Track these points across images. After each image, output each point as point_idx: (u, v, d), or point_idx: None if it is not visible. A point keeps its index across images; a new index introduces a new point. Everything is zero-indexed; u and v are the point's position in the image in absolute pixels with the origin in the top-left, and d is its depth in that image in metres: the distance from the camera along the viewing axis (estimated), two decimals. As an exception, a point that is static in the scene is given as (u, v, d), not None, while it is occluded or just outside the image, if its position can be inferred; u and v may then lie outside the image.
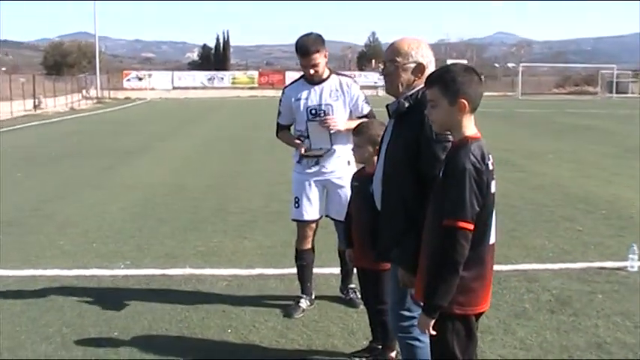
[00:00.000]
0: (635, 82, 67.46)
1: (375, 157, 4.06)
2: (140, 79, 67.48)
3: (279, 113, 5.39)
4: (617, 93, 60.85)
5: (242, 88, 66.18)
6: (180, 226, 8.33)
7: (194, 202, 9.96)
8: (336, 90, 5.16)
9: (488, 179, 2.85)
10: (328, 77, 5.17)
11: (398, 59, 3.41)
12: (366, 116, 5.14)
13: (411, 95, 3.36)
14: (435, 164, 3.11)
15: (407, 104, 3.33)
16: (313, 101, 5.15)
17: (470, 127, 2.93)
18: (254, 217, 8.89)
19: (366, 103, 5.27)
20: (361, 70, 78.41)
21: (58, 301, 5.59)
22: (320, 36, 5.11)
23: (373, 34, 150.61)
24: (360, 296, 4.94)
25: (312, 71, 5.05)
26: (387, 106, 3.51)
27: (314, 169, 5.23)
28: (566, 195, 10.53)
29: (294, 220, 5.40)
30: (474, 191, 2.78)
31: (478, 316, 2.98)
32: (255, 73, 73.19)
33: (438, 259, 2.82)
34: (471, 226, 2.78)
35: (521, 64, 67.35)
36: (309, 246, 5.42)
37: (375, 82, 60.64)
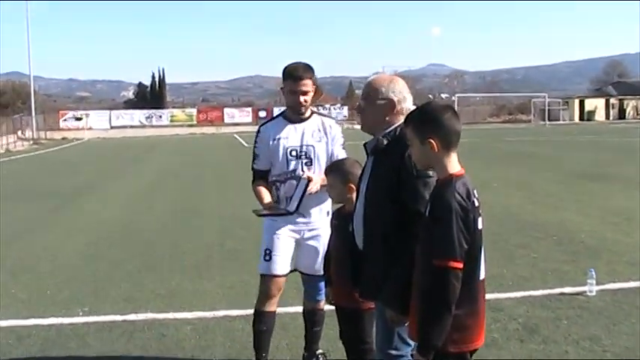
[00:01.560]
0: (565, 110, 69.46)
1: (353, 195, 4.05)
2: (78, 118, 66.17)
3: (255, 157, 4.77)
4: (549, 120, 62.55)
5: (181, 126, 65.60)
6: (136, 268, 8.16)
7: (147, 242, 9.79)
8: (319, 130, 4.68)
9: (474, 216, 2.86)
10: (310, 116, 4.71)
11: (369, 97, 3.46)
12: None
13: (389, 132, 3.37)
14: (418, 200, 3.13)
15: (385, 141, 3.34)
16: (294, 141, 4.62)
17: (452, 164, 2.95)
18: (210, 256, 8.77)
19: (343, 148, 4.79)
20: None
21: (17, 353, 5.38)
22: (311, 66, 4.65)
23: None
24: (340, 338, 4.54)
25: (302, 99, 4.53)
26: (364, 145, 3.52)
27: (291, 218, 4.64)
28: (518, 222, 10.71)
29: (263, 274, 4.72)
30: (461, 230, 2.80)
31: (473, 352, 2.97)
32: (193, 111, 72.67)
33: (430, 299, 2.82)
34: (461, 265, 2.79)
35: (456, 95, 68.71)
36: (273, 308, 4.75)
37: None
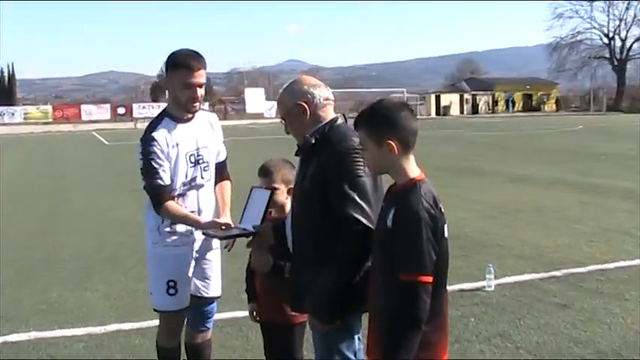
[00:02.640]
0: (422, 105, 71.82)
1: (288, 200, 3.75)
2: None
3: (154, 172, 3.76)
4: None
5: (35, 124, 62.05)
6: (8, 281, 7.41)
7: (17, 252, 8.94)
8: (207, 128, 4.00)
9: (441, 224, 2.64)
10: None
11: (281, 112, 3.27)
12: (223, 163, 4.19)
13: (317, 130, 3.12)
14: (345, 202, 2.90)
15: (313, 140, 3.10)
16: (190, 145, 3.86)
17: (412, 167, 2.72)
18: (88, 264, 8.15)
19: (223, 144, 4.22)
20: (155, 101, 75.96)
21: None
22: (201, 54, 3.85)
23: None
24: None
25: (199, 93, 3.78)
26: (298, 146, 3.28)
27: (193, 236, 3.92)
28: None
29: (165, 311, 3.96)
30: (430, 240, 2.55)
31: (439, 369, 2.75)
32: (49, 108, 69.00)
33: (399, 319, 2.55)
34: (431, 279, 2.55)
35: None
36: (178, 340, 4.11)
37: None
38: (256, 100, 64.82)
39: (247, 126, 52.37)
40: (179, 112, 3.87)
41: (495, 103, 76.09)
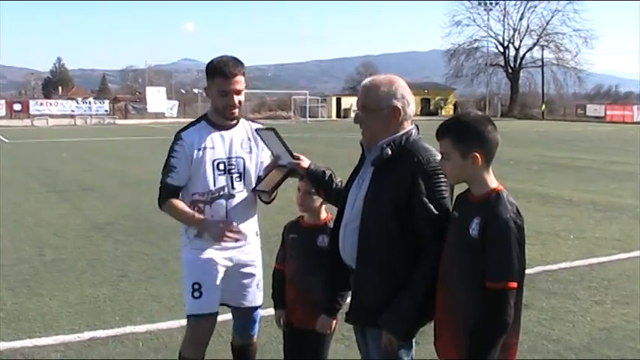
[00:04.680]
0: (324, 107, 72.55)
1: (323, 207, 3.77)
2: None
3: (171, 169, 3.80)
4: (310, 117, 64.87)
5: None
6: (-49, 289, 7.03)
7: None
8: (249, 139, 3.89)
9: (525, 232, 2.76)
10: (237, 122, 3.89)
11: (369, 104, 3.12)
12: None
13: (393, 141, 3.07)
14: (430, 222, 2.93)
15: (390, 151, 3.04)
16: (221, 152, 3.80)
17: (492, 178, 2.83)
18: (35, 269, 7.83)
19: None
20: (47, 97, 73.18)
21: None
22: (240, 60, 3.82)
23: (59, 59, 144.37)
24: None
25: (236, 100, 3.72)
26: (361, 143, 3.25)
27: (219, 243, 3.83)
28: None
29: (193, 315, 3.87)
30: (517, 248, 2.69)
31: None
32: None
33: (490, 325, 2.67)
34: (516, 285, 2.69)
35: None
36: (202, 353, 3.97)
37: (73, 111, 57.88)
38: (157, 99, 63.54)
39: (149, 125, 51.30)
40: (217, 118, 3.85)
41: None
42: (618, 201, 13.26)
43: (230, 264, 3.91)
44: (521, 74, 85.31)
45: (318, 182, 3.51)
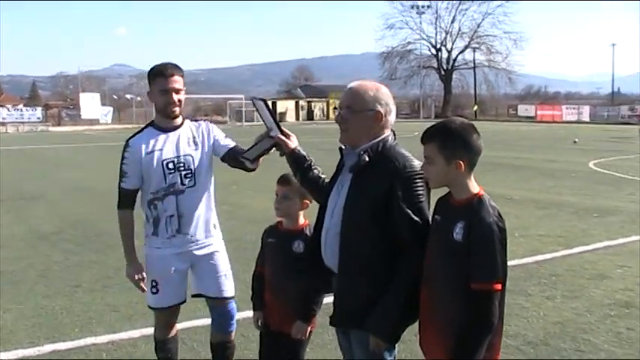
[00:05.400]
0: (259, 111, 72.39)
1: (301, 213, 3.84)
2: None
3: (123, 174, 4.12)
4: (246, 121, 64.64)
5: None
6: None
7: None
8: (194, 137, 4.20)
9: (506, 233, 2.86)
10: (182, 124, 4.20)
11: (353, 106, 3.20)
12: (235, 149, 4.23)
13: (371, 148, 3.16)
14: (410, 226, 3.01)
15: (367, 157, 3.12)
16: (169, 152, 4.09)
17: (474, 183, 2.92)
18: (-17, 282, 7.65)
19: (227, 137, 4.38)
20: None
21: None
22: (179, 66, 4.19)
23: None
24: None
25: (175, 98, 4.03)
26: (340, 149, 3.32)
27: (176, 239, 4.14)
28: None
29: (152, 308, 4.32)
30: (501, 251, 2.79)
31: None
32: None
33: (476, 326, 2.75)
34: (500, 286, 2.79)
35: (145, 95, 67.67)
36: (173, 332, 4.42)
37: (4, 119, 56.30)
38: (91, 105, 62.39)
39: (84, 132, 50.36)
40: (162, 120, 4.16)
41: (335, 109, 78.05)
42: (557, 198, 13.71)
43: (189, 258, 4.22)
44: (454, 76, 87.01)
45: (297, 165, 3.58)
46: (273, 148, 3.62)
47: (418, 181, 3.06)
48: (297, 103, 78.63)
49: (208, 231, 4.26)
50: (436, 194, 3.13)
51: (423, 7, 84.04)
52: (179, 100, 4.07)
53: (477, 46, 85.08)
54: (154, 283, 4.19)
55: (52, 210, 12.79)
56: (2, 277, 7.79)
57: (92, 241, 9.75)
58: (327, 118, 76.36)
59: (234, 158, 4.15)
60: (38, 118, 58.29)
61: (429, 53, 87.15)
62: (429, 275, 2.95)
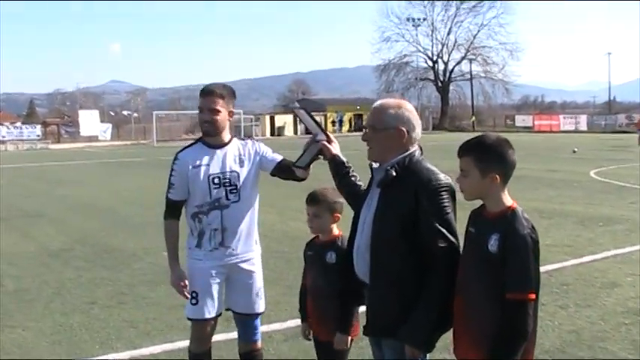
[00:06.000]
0: (257, 126, 72.37)
1: (334, 225, 3.94)
2: None
3: (170, 185, 4.29)
4: (245, 137, 64.76)
5: None
6: None
7: None
8: (240, 154, 4.32)
9: (539, 246, 2.95)
10: (230, 141, 4.33)
11: (376, 125, 3.33)
12: (283, 163, 4.35)
13: (397, 163, 3.27)
14: (438, 238, 3.11)
15: (394, 172, 3.24)
16: (215, 168, 4.23)
17: (507, 196, 3.01)
18: (-2, 301, 7.69)
19: (274, 152, 4.52)
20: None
21: None
22: (232, 89, 4.38)
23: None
24: None
25: (207, 117, 4.18)
26: (370, 166, 3.44)
27: (218, 252, 4.26)
28: (292, 237, 10.84)
29: (190, 319, 4.35)
30: (535, 262, 2.88)
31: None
32: None
33: (510, 334, 2.85)
34: (535, 296, 2.89)
35: (155, 112, 67.81)
36: (207, 346, 4.45)
37: (4, 137, 56.28)
38: (90, 122, 62.41)
39: (84, 149, 50.40)
40: (208, 138, 4.30)
41: (333, 123, 78.25)
42: (561, 208, 13.82)
43: (227, 272, 4.32)
44: (451, 87, 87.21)
45: (336, 170, 3.76)
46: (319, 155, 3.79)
47: (444, 193, 3.17)
48: (295, 116, 78.65)
49: (249, 245, 4.39)
50: (465, 208, 3.21)
51: (418, 19, 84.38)
52: (213, 120, 4.18)
53: (473, 57, 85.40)
54: (194, 294, 4.28)
55: (58, 227, 12.79)
56: (17, 296, 7.85)
57: (103, 257, 9.78)
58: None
59: (283, 170, 4.29)
60: (37, 136, 58.23)
61: (426, 65, 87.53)
62: (463, 285, 3.03)
